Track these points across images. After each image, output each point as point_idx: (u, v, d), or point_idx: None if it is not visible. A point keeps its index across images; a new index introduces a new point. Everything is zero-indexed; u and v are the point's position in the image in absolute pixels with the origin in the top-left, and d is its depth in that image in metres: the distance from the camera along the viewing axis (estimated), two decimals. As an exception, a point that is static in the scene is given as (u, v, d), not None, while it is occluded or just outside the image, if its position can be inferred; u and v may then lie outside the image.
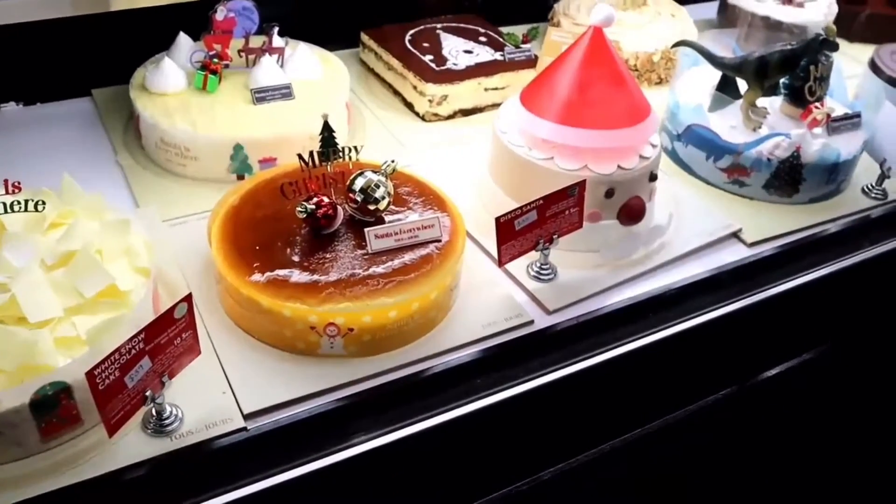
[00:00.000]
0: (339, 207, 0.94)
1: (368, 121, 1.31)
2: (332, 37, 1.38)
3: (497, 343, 0.95)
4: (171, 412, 0.82)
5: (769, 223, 1.18)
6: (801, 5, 1.55)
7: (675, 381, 1.12)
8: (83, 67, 1.30)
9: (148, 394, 0.78)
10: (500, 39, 1.42)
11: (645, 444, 1.13)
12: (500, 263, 0.98)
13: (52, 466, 0.78)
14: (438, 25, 1.44)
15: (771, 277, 1.12)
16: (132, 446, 0.80)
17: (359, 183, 0.95)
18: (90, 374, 0.71)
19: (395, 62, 1.34)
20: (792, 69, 1.19)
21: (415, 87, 1.31)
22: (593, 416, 1.06)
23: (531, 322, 0.98)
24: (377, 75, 1.41)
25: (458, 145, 1.27)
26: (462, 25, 1.45)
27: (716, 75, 1.29)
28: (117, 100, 1.27)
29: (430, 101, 1.29)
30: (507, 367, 0.93)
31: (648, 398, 1.10)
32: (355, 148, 0.97)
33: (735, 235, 1.16)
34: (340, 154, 0.96)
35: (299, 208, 0.91)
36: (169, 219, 1.07)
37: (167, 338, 0.78)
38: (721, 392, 1.17)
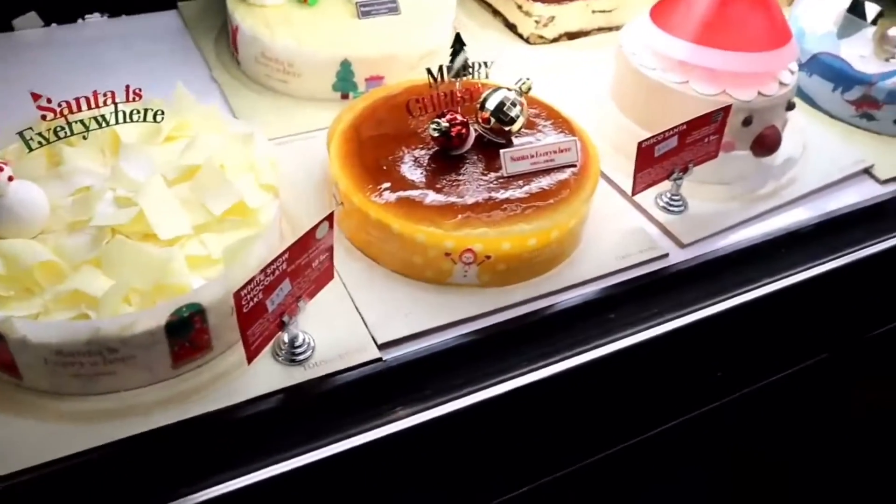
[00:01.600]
0: (471, 126, 0.88)
1: (471, 45, 1.23)
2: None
3: (633, 276, 0.90)
4: (303, 340, 0.77)
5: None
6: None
7: (807, 326, 1.06)
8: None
9: (286, 318, 0.73)
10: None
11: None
12: (634, 192, 0.92)
13: (180, 395, 0.73)
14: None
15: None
16: (262, 375, 0.75)
17: (492, 101, 0.88)
18: (237, 296, 0.65)
19: (497, -21, 1.26)
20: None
21: (520, 7, 1.23)
22: (729, 364, 1.00)
23: (666, 255, 0.92)
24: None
25: (567, 70, 1.19)
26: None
27: (843, 4, 1.20)
28: (206, 14, 1.20)
29: (537, 21, 1.21)
30: (644, 303, 0.88)
31: (781, 345, 1.05)
32: (485, 63, 0.90)
33: (867, 171, 1.09)
34: (470, 70, 0.90)
35: (433, 125, 0.85)
36: (273, 137, 1.01)
37: (307, 259, 0.73)
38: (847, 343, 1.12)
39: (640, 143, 0.87)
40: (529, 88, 0.90)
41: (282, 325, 0.73)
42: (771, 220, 1.00)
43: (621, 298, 0.88)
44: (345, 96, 1.07)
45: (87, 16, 1.19)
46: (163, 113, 0.81)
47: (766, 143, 1.00)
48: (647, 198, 0.98)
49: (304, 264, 0.72)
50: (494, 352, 0.81)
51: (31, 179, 0.76)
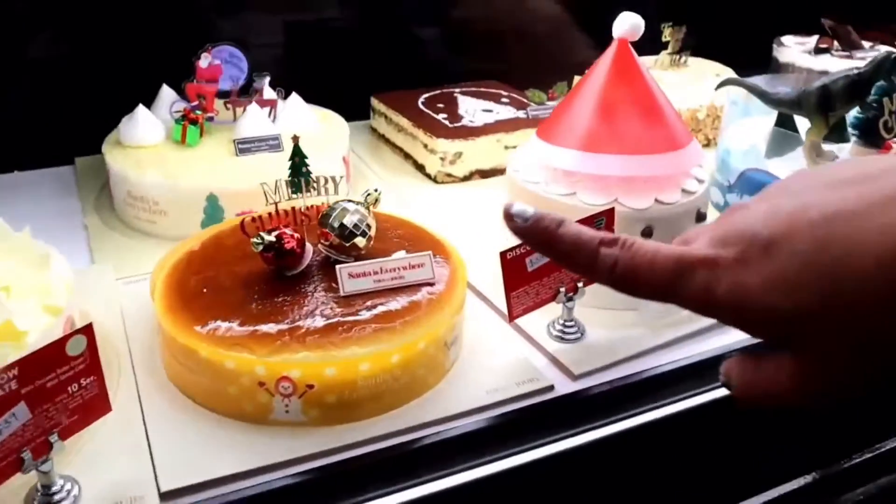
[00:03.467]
0: (307, 244, 0.77)
1: (372, 182, 1.16)
2: (341, 108, 1.26)
3: (503, 412, 0.74)
4: (61, 486, 0.62)
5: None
6: (863, 58, 1.38)
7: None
8: (66, 135, 1.20)
9: (25, 456, 0.59)
10: (524, 100, 1.28)
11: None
12: (511, 317, 0.79)
13: None
14: (457, 90, 1.32)
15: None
16: (6, 531, 0.60)
17: (333, 214, 0.78)
18: (-69, 417, 0.53)
19: (404, 122, 1.21)
20: (860, 98, 1.00)
21: (425, 146, 1.16)
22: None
23: (551, 388, 0.77)
24: (388, 141, 1.27)
25: (473, 208, 1.09)
26: (483, 89, 1.32)
27: (769, 125, 1.11)
28: (99, 167, 1.16)
29: (443, 158, 1.14)
30: (514, 442, 0.71)
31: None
32: (333, 179, 0.81)
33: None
34: (315, 185, 0.81)
35: (255, 240, 0.74)
36: (126, 277, 0.91)
37: (56, 381, 0.60)
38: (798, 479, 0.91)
39: (502, 254, 0.75)
40: (377, 200, 0.80)
41: (20, 464, 0.59)
42: (685, 347, 0.85)
43: (490, 435, 0.72)
44: (215, 234, 0.98)
45: (-23, 172, 1.17)
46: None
47: (675, 262, 0.87)
48: (539, 328, 0.84)
49: (50, 388, 0.59)
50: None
51: None
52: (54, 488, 0.62)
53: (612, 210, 0.80)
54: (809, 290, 0.40)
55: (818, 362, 0.41)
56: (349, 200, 0.79)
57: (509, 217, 0.48)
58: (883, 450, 0.94)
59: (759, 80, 1.14)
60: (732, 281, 0.42)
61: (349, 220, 0.77)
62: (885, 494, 0.93)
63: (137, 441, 0.68)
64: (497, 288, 0.79)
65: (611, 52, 0.88)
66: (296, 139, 0.80)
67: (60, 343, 0.59)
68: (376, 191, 0.81)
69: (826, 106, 1.01)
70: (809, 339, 0.41)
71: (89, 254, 0.98)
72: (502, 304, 0.85)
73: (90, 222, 1.04)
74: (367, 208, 0.80)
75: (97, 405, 0.63)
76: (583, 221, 0.77)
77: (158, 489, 0.63)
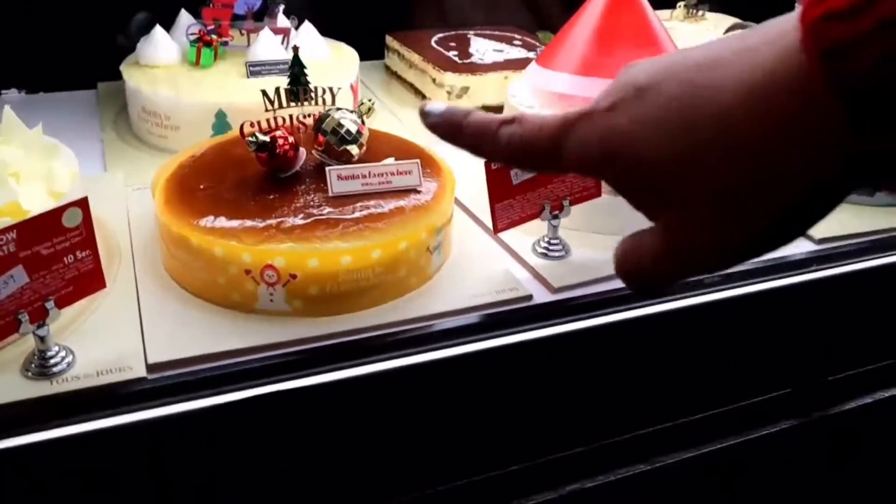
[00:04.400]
0: (301, 148, 0.81)
1: (381, 114, 1.18)
2: (357, 46, 1.29)
3: (481, 314, 0.77)
4: (56, 352, 0.67)
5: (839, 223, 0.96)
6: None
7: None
8: (90, 60, 1.25)
9: (22, 317, 0.63)
10: (536, 43, 1.30)
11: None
12: (496, 229, 0.81)
13: None
14: (471, 31, 1.34)
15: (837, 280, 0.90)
16: (2, 387, 0.64)
17: (326, 120, 0.81)
18: (-67, 266, 0.57)
19: (415, 57, 1.23)
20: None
21: (434, 80, 1.19)
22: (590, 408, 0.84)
23: (529, 297, 0.79)
24: (399, 78, 1.30)
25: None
26: (497, 32, 1.34)
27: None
28: (120, 90, 1.20)
29: (449, 92, 1.16)
30: (489, 338, 0.74)
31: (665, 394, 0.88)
32: (331, 89, 0.84)
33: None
34: (312, 95, 0.84)
35: (251, 139, 0.78)
36: (138, 185, 0.95)
37: (53, 250, 0.64)
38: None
39: (486, 163, 0.78)
40: (370, 109, 0.83)
41: (17, 325, 0.63)
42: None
43: (466, 332, 0.76)
44: (223, 151, 1.02)
45: (3, 91, 1.21)
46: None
47: (663, 188, 0.89)
48: (525, 245, 0.87)
49: (47, 255, 0.64)
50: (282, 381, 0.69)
51: None
52: (50, 353, 0.66)
53: (598, 128, 0.82)
54: (672, 132, 0.39)
55: (680, 220, 0.41)
56: (343, 109, 0.82)
57: (424, 114, 0.50)
58: (859, 371, 0.96)
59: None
60: (604, 126, 0.42)
61: (342, 127, 0.80)
62: (862, 413, 0.95)
63: (131, 320, 0.72)
64: (487, 207, 0.82)
65: (610, -19, 0.90)
66: (296, 49, 0.83)
67: (57, 212, 0.63)
68: (370, 101, 0.83)
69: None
70: (672, 190, 0.40)
71: (103, 164, 1.02)
72: (490, 222, 0.88)
73: (106, 137, 1.08)
74: (361, 117, 0.82)
75: (92, 279, 0.68)
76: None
77: (146, 361, 0.67)
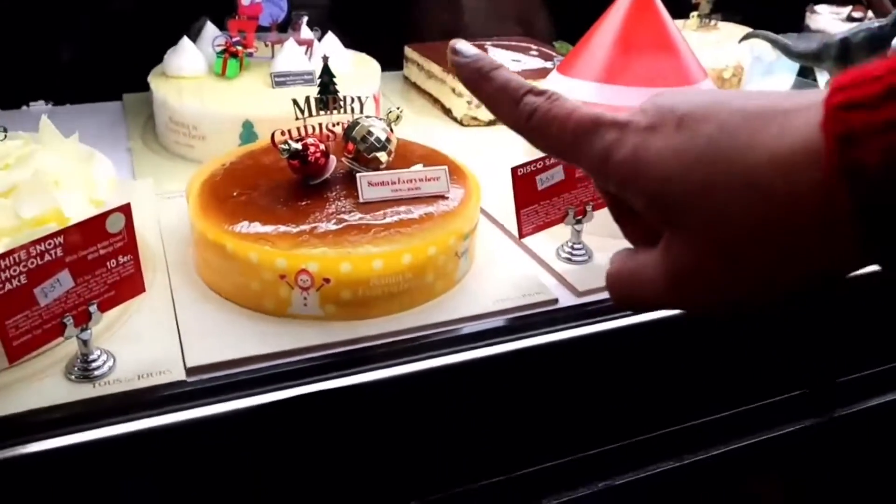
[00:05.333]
0: (332, 155, 0.82)
1: (403, 128, 1.20)
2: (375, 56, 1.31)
3: (508, 318, 0.78)
4: (98, 356, 0.68)
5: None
6: (896, 23, 1.39)
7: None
8: (115, 72, 1.27)
9: (68, 321, 0.65)
10: (553, 53, 1.32)
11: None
12: (521, 234, 0.83)
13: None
14: (487, 42, 1.36)
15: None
16: (47, 390, 0.66)
17: (356, 128, 0.83)
18: (-14, 270, 0.59)
19: (435, 68, 1.25)
20: (880, 51, 1.02)
21: (453, 90, 1.21)
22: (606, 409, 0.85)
23: (555, 300, 0.81)
24: (419, 88, 1.32)
25: (495, 149, 1.14)
26: (513, 43, 1.36)
27: (790, 83, 1.13)
28: (145, 102, 1.22)
29: (469, 102, 1.19)
30: (517, 340, 0.76)
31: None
32: (359, 98, 0.86)
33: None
34: (341, 103, 0.86)
35: (283, 146, 0.80)
36: (167, 194, 0.97)
37: (97, 255, 0.66)
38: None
39: (513, 169, 0.80)
40: (398, 117, 0.85)
41: (62, 329, 0.65)
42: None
43: (493, 335, 0.77)
44: (250, 160, 1.04)
45: (31, 103, 1.24)
46: (4, 129, 0.80)
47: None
48: (549, 250, 0.88)
49: (92, 260, 0.65)
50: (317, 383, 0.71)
51: None
52: (92, 357, 0.68)
53: (621, 135, 0.83)
54: (702, 169, 0.39)
55: (685, 246, 0.41)
56: (373, 117, 0.84)
57: (454, 52, 0.49)
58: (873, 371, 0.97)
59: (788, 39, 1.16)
60: (636, 142, 0.42)
61: (372, 134, 0.82)
62: (873, 414, 0.96)
63: (168, 324, 0.74)
64: (511, 215, 0.84)
65: (629, -7, 0.92)
66: (325, 59, 0.85)
67: (101, 218, 0.65)
68: (398, 108, 0.85)
69: (845, 58, 1.04)
70: (686, 219, 0.40)
71: (132, 173, 1.04)
72: (514, 229, 0.89)
73: (134, 146, 1.10)
74: (389, 125, 0.84)
75: (132, 283, 0.70)
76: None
77: (185, 364, 0.69)
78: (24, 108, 1.23)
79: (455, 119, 1.22)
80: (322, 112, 0.84)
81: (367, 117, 0.84)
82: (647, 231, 0.44)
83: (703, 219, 0.39)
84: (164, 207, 0.94)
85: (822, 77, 1.09)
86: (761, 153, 0.37)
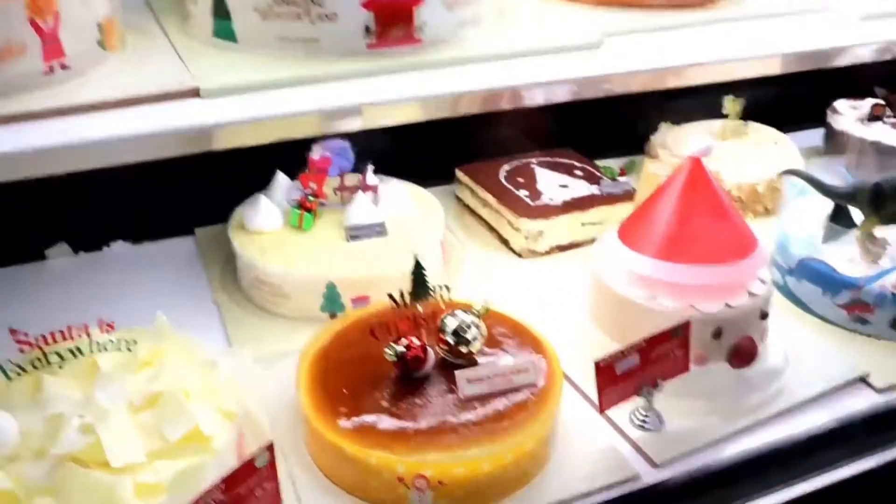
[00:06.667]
0: (429, 350, 0.91)
1: (464, 259, 1.29)
2: (427, 172, 1.38)
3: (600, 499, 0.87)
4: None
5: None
6: (916, 129, 1.48)
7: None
8: (188, 207, 1.33)
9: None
10: (596, 173, 1.40)
11: None
12: (601, 409, 0.92)
13: None
14: (533, 161, 1.43)
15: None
16: None
17: (450, 324, 0.91)
18: (164, 529, 0.67)
19: (490, 198, 1.33)
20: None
21: (510, 224, 1.29)
22: None
23: (636, 477, 0.90)
24: (473, 212, 1.40)
25: (555, 282, 1.22)
26: (557, 160, 1.44)
27: (827, 204, 1.21)
28: (218, 239, 1.30)
29: (527, 237, 1.27)
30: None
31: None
32: (446, 287, 0.94)
33: (862, 380, 1.06)
34: (432, 293, 0.94)
35: (388, 351, 0.88)
36: (262, 358, 1.05)
37: (247, 488, 0.74)
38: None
39: (596, 363, 0.88)
40: (487, 310, 0.94)
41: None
42: (755, 434, 0.97)
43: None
44: (333, 316, 1.11)
45: (111, 243, 1.31)
46: (135, 342, 0.87)
47: (742, 355, 0.99)
48: (622, 413, 0.97)
49: (244, 493, 0.74)
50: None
51: (12, 406, 0.82)
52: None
53: (687, 324, 0.92)
54: None
55: None
56: (461, 311, 0.93)
57: None
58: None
59: (815, 164, 1.24)
60: None
61: (464, 331, 0.91)
62: None
63: (292, 518, 0.83)
64: (582, 370, 0.94)
65: (686, 168, 1.00)
66: (416, 256, 0.93)
67: (251, 461, 0.73)
68: (486, 301, 0.94)
69: (878, 203, 1.12)
70: None
71: (223, 332, 1.12)
72: (587, 387, 0.98)
73: (220, 300, 1.18)
74: (479, 317, 0.93)
75: (273, 502, 0.78)
76: (660, 335, 0.90)
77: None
78: (105, 248, 1.30)
79: (513, 250, 1.30)
80: (415, 303, 0.93)
81: (458, 311, 0.92)
82: None
83: None
84: (267, 376, 1.01)
85: (857, 212, 1.17)
86: None
